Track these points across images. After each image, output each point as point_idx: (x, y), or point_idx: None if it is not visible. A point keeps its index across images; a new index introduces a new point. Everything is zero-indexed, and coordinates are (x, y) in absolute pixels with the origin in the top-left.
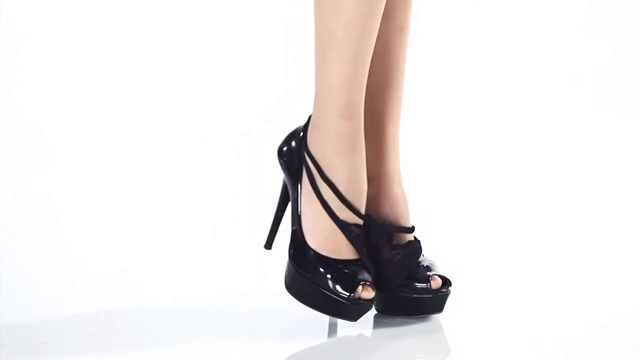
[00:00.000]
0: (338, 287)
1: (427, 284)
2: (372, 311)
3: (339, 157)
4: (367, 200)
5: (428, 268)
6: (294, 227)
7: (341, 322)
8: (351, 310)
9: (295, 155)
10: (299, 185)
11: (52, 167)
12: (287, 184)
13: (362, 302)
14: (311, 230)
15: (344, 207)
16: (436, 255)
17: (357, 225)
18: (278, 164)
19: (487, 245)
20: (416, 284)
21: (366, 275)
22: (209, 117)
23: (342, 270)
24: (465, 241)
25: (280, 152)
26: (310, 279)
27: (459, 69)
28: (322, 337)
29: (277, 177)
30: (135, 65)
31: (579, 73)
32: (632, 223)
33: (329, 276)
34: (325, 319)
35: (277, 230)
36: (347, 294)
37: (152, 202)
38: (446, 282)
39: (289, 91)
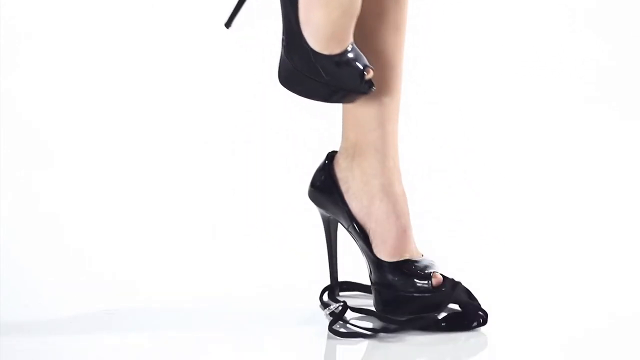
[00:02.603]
0: (347, 81)
1: (427, 281)
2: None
3: None
4: (367, 200)
5: (428, 267)
6: (288, 27)
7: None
8: (355, 95)
9: None
10: None
11: (52, 167)
12: None
13: (368, 84)
14: (313, 34)
15: (347, 11)
16: (436, 255)
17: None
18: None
19: (487, 245)
20: (417, 281)
21: (364, 57)
22: (209, 117)
23: (345, 62)
24: (465, 240)
25: None
26: (315, 76)
27: (457, 68)
28: (322, 337)
29: (277, 176)
30: (135, 66)
31: (579, 73)
32: (635, 222)
33: (335, 72)
34: (324, 320)
35: (240, 8)
36: (359, 83)
37: (152, 202)
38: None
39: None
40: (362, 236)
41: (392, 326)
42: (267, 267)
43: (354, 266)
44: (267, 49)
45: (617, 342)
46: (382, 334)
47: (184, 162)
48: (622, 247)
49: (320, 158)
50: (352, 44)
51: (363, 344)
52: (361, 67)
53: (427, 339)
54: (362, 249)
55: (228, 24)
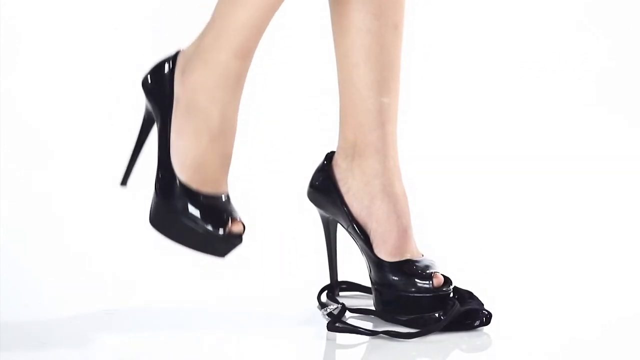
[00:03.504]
0: (208, 224)
1: (429, 281)
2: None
3: (223, 91)
4: (368, 200)
5: (429, 267)
6: (161, 158)
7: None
8: (221, 246)
9: (167, 83)
10: (169, 116)
11: (52, 167)
12: (154, 114)
13: (232, 237)
14: (182, 163)
15: (216, 139)
16: (435, 254)
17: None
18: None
19: (487, 245)
20: (418, 281)
21: (235, 211)
22: None
23: (211, 205)
24: (464, 240)
25: (145, 82)
26: (179, 213)
27: (456, 69)
28: (322, 338)
29: (276, 176)
30: (135, 66)
31: (579, 73)
32: (635, 222)
33: (198, 212)
34: (324, 321)
35: (134, 165)
36: (219, 230)
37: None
38: (447, 281)
39: (283, 89)
40: (363, 236)
41: (393, 326)
42: (267, 267)
43: (354, 266)
44: (267, 47)
45: (618, 342)
46: (381, 334)
47: None
48: (622, 247)
49: (319, 158)
50: (226, 195)
51: (363, 344)
52: (225, 215)
53: (427, 339)
54: (362, 249)
55: (124, 182)
